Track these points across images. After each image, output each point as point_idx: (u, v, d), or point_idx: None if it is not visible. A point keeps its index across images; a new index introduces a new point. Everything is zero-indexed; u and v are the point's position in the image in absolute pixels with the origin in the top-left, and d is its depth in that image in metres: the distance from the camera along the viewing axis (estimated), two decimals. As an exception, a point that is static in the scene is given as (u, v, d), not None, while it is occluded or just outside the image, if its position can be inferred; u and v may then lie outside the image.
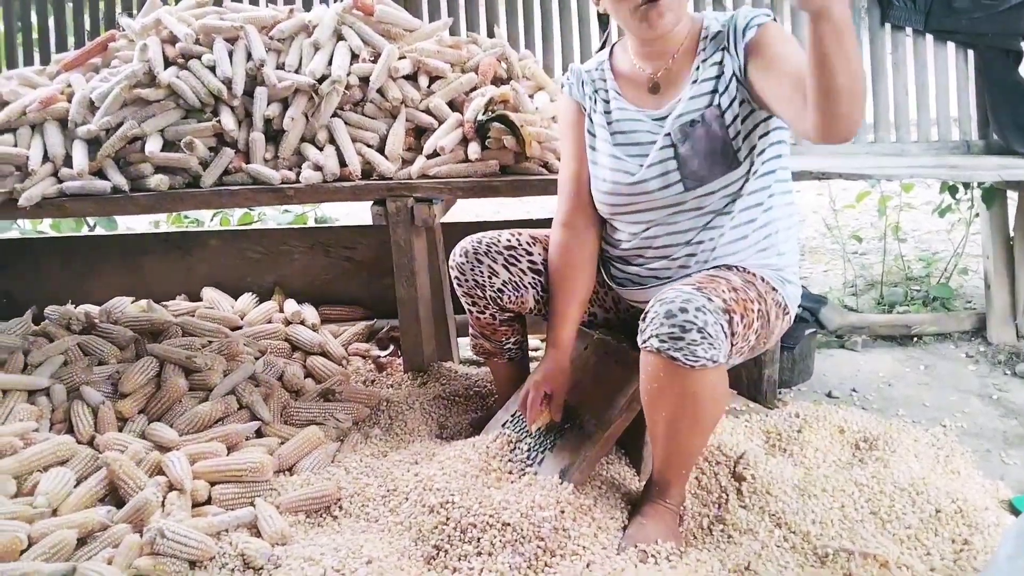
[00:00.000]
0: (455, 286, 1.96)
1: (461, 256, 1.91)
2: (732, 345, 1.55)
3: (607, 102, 1.80)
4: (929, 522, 1.74)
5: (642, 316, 1.57)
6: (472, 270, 1.89)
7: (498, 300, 1.90)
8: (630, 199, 1.74)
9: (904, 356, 2.78)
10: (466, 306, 1.98)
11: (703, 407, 1.57)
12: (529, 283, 1.90)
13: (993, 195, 2.82)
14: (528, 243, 1.92)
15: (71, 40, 3.21)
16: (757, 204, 1.68)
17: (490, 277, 1.88)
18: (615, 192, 1.75)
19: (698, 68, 1.67)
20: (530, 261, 1.90)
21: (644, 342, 1.55)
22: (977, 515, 1.75)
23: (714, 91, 1.65)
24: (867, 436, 2.13)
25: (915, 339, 2.89)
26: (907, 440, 2.10)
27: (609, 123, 1.78)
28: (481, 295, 1.91)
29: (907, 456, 2.01)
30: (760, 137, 1.65)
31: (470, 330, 2.05)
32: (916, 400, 2.45)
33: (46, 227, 3.82)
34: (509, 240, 1.90)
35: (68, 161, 2.42)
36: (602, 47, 1.90)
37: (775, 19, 1.63)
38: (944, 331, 2.90)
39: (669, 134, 1.67)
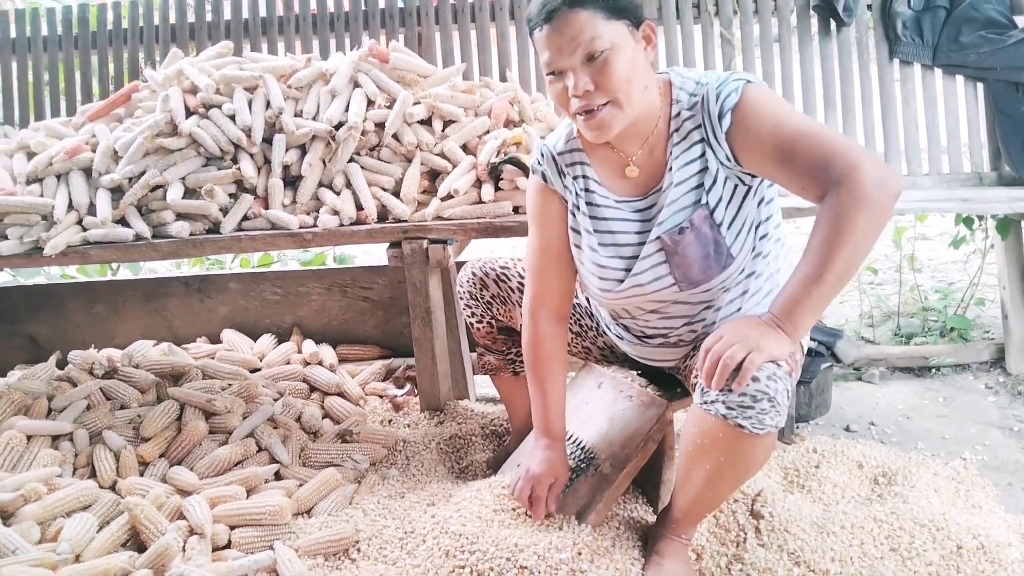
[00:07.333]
0: (457, 300, 2.04)
1: (463, 273, 2.06)
2: None
3: (588, 191, 1.67)
4: (950, 559, 1.72)
5: (699, 369, 1.47)
6: (468, 282, 2.03)
7: (490, 310, 2.02)
8: (621, 296, 1.67)
9: (922, 388, 2.77)
10: (467, 319, 2.08)
11: (753, 465, 1.53)
12: (516, 301, 1.99)
13: (1008, 226, 2.81)
14: (521, 271, 2.00)
15: (96, 91, 3.30)
16: (752, 272, 1.62)
17: (481, 290, 2.01)
18: (605, 289, 1.67)
19: (676, 158, 1.55)
20: (520, 282, 1.98)
21: (705, 403, 1.46)
22: (1000, 551, 1.73)
23: (699, 186, 1.54)
24: (886, 471, 2.12)
25: (933, 370, 2.87)
26: (927, 474, 2.08)
27: (593, 217, 1.67)
28: (477, 303, 2.03)
29: (927, 491, 2.00)
30: (753, 211, 1.57)
31: (477, 350, 2.15)
32: (935, 433, 2.43)
33: (72, 271, 3.89)
34: (505, 263, 2.01)
35: (92, 209, 2.48)
36: None
37: (748, 82, 1.49)
38: (962, 362, 2.88)
39: (659, 238, 1.57)
